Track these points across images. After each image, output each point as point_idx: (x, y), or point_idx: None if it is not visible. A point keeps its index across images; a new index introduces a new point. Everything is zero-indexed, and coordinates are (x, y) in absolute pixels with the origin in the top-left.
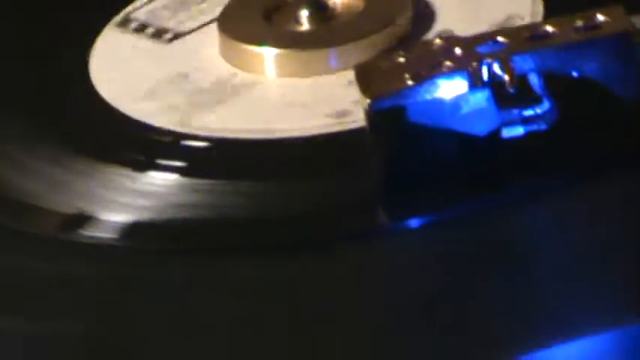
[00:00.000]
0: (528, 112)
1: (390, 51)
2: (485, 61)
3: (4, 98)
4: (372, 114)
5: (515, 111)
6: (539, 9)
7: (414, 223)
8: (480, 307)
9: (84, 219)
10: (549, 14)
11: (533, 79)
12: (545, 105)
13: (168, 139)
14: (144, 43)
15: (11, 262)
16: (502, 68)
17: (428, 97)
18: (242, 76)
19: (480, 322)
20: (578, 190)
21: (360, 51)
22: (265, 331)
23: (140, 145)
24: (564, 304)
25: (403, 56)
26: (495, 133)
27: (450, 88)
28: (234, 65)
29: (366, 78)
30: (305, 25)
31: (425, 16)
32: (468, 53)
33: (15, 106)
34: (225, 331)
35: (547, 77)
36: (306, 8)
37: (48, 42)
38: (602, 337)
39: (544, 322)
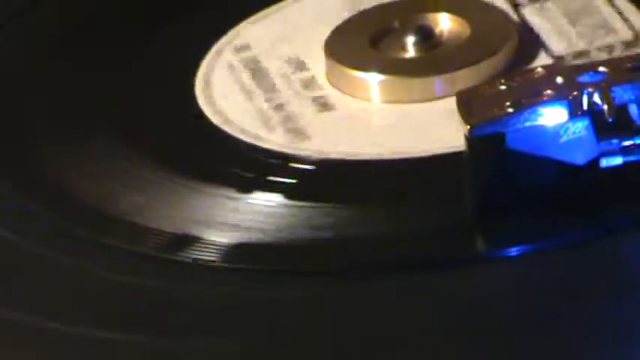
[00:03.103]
0: (627, 142)
1: (493, 78)
2: (585, 91)
3: (113, 121)
4: (471, 140)
5: (614, 141)
6: None
7: (506, 251)
8: (571, 336)
9: (193, 239)
10: None
11: (634, 110)
12: None
13: (276, 161)
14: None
15: (129, 281)
16: (602, 98)
17: (527, 124)
18: (348, 100)
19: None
20: None
21: (465, 79)
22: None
23: (249, 166)
24: None
25: (505, 84)
26: (594, 163)
27: (550, 116)
28: (339, 89)
29: (467, 105)
30: (411, 52)
31: (531, 44)
32: (569, 82)
33: (126, 131)
34: (332, 349)
35: None
36: (413, 35)
37: (156, 64)
38: None
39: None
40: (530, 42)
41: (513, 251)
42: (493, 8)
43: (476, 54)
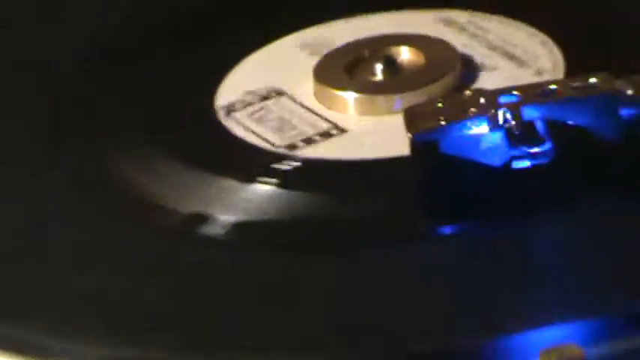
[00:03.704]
0: (534, 150)
1: (434, 98)
2: (501, 109)
3: (148, 123)
4: (413, 145)
5: (523, 148)
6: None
7: (443, 230)
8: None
9: (204, 218)
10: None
11: (539, 125)
12: (547, 145)
13: (272, 159)
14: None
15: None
16: (513, 115)
17: (455, 134)
18: (330, 113)
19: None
20: (573, 209)
21: (418, 98)
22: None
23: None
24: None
25: (441, 102)
26: (507, 165)
27: (473, 128)
28: (325, 106)
29: (411, 118)
30: (378, 76)
31: (471, 72)
32: (489, 103)
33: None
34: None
35: (549, 124)
36: (380, 63)
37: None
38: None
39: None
40: (469, 70)
41: (446, 230)
42: (443, 43)
43: (427, 79)
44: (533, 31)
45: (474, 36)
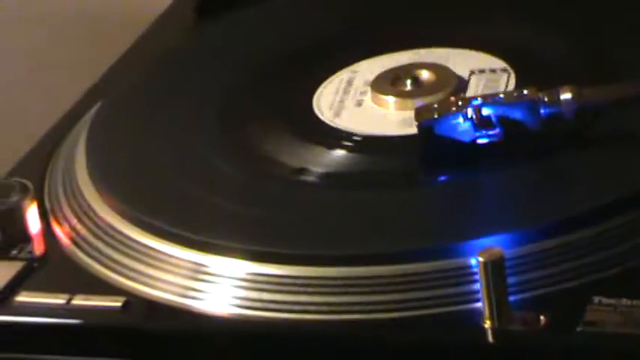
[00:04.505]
0: (490, 132)
1: (434, 101)
2: (469, 107)
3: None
4: (419, 128)
5: (483, 131)
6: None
7: (435, 178)
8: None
9: (305, 170)
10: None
11: (493, 118)
12: (497, 130)
13: (345, 134)
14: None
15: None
16: (475, 112)
17: (444, 122)
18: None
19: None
20: (510, 165)
21: (430, 101)
22: None
23: (333, 136)
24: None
25: (437, 104)
26: (473, 141)
27: (454, 119)
28: (378, 105)
29: (419, 112)
30: (408, 87)
31: (461, 85)
32: (464, 104)
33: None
34: None
35: (499, 117)
36: (409, 79)
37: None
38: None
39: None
40: (462, 84)
41: (437, 178)
42: (446, 68)
43: (436, 90)
44: (499, 61)
45: (461, 63)
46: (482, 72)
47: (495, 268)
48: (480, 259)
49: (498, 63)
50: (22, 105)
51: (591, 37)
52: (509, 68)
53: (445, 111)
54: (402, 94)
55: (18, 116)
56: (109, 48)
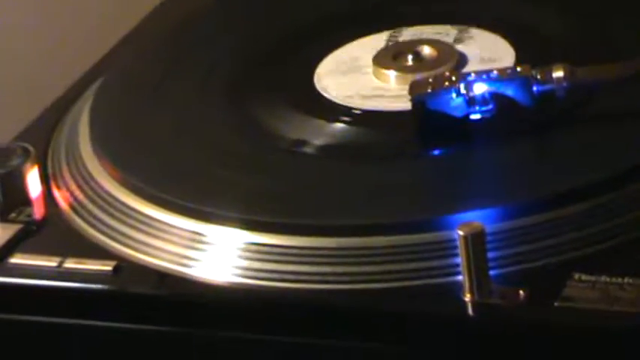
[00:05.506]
0: (483, 108)
1: (429, 76)
2: (462, 82)
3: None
4: (413, 102)
5: (476, 107)
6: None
7: (429, 150)
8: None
9: (304, 141)
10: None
11: (485, 93)
12: (490, 105)
13: (344, 108)
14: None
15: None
16: (467, 88)
17: (437, 97)
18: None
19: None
20: (503, 140)
21: (427, 75)
22: None
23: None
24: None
25: (432, 78)
26: (466, 116)
27: (447, 94)
28: (379, 79)
29: (414, 86)
30: (409, 62)
31: (462, 62)
32: (458, 79)
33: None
34: None
35: (492, 94)
36: (410, 54)
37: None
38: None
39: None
40: (462, 60)
41: (431, 150)
42: (448, 45)
43: (435, 65)
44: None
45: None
46: (485, 50)
47: (475, 242)
48: (460, 232)
49: (504, 44)
50: (32, 75)
51: (594, 19)
52: (509, 46)
53: (438, 86)
54: (403, 69)
55: (27, 85)
56: (119, 23)
